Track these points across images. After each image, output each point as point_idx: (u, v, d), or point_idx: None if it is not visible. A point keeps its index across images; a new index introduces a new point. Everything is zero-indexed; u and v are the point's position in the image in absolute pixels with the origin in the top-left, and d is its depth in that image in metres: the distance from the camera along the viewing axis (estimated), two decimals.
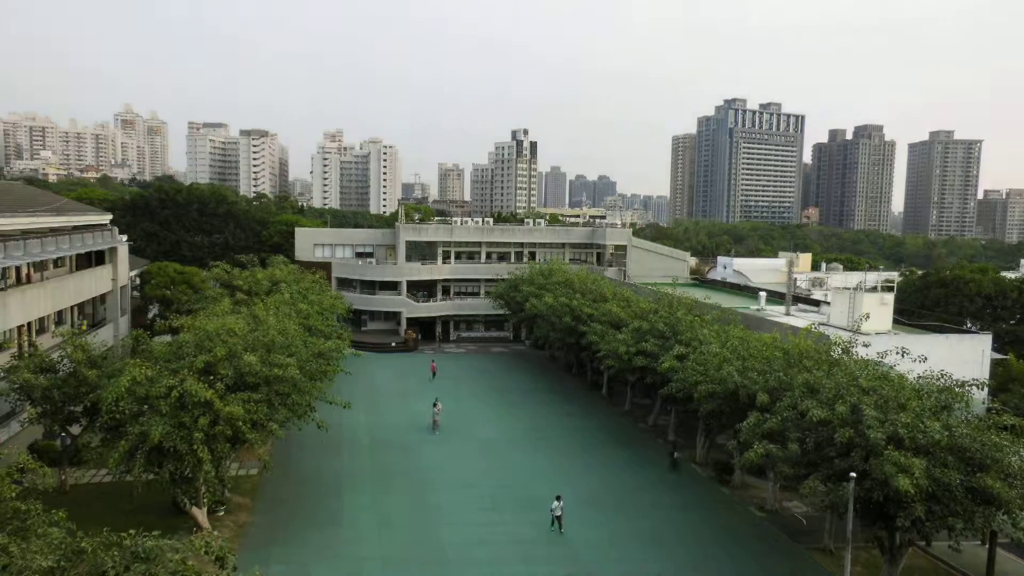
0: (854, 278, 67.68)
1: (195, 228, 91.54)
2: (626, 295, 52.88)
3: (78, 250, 43.15)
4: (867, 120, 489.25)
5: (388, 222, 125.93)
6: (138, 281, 66.59)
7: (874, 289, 50.00)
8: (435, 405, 46.03)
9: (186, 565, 15.15)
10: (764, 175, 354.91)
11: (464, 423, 47.12)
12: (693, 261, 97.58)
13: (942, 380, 25.96)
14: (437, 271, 79.17)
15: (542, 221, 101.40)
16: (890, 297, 43.44)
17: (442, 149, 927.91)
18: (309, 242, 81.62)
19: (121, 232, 54.65)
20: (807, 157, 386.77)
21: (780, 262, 78.18)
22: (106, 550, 15.19)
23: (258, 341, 30.05)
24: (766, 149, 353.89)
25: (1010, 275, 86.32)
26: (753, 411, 28.20)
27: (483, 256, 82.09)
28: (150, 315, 65.20)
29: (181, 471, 25.51)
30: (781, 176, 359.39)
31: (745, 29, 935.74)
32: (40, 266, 41.64)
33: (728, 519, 33.06)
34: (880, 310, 41.51)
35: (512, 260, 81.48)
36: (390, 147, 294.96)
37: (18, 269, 38.72)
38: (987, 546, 28.25)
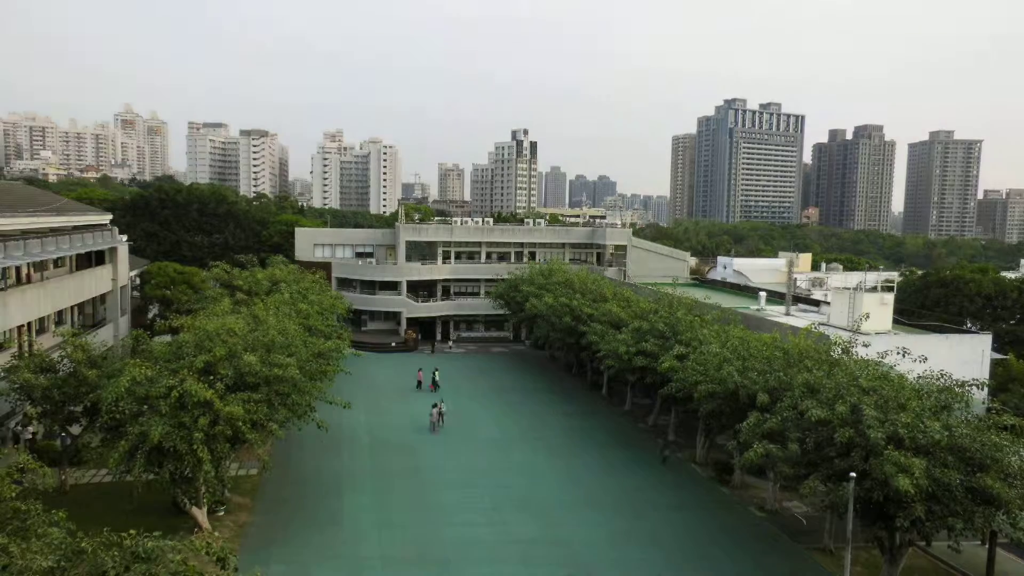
0: (854, 278, 67.67)
1: (195, 228, 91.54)
2: (626, 295, 52.89)
3: (78, 250, 43.13)
4: (867, 120, 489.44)
5: (388, 222, 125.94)
6: (138, 281, 66.58)
7: (874, 289, 50.01)
8: (435, 406, 46.00)
9: (187, 565, 15.14)
10: (764, 175, 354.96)
11: (464, 423, 47.12)
12: (693, 261, 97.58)
13: (942, 380, 25.96)
14: (437, 271, 79.19)
15: (542, 221, 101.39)
16: (890, 297, 43.45)
17: (442, 149, 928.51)
18: (309, 242, 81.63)
19: (121, 232, 54.63)
20: (807, 157, 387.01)
21: (780, 262, 78.17)
22: (106, 550, 15.18)
23: (258, 341, 30.06)
24: (766, 149, 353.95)
25: (1010, 275, 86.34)
26: (753, 411, 28.21)
27: (483, 256, 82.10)
28: (150, 315, 65.20)
29: (181, 471, 25.51)
30: (781, 176, 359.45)
31: (745, 29, 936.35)
32: (40, 266, 41.62)
33: (728, 519, 33.06)
34: (880, 310, 41.52)
35: (512, 260, 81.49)
36: (390, 147, 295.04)
37: (18, 269, 38.70)
38: (987, 546, 28.26)
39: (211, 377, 26.55)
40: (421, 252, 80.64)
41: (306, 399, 29.89)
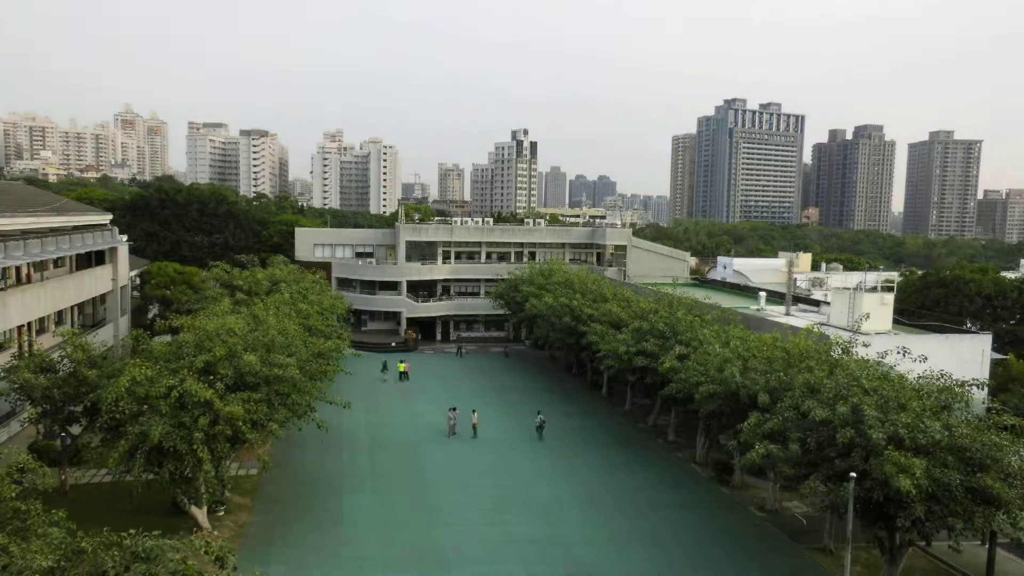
0: (854, 278, 67.68)
1: (195, 228, 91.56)
2: (626, 295, 52.89)
3: (78, 250, 43.16)
4: (867, 120, 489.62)
5: (388, 222, 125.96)
6: (138, 281, 66.62)
7: (874, 289, 50.01)
8: (453, 410, 45.08)
9: (186, 564, 15.14)
10: (764, 175, 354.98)
11: (464, 423, 47.09)
12: (693, 261, 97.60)
13: (942, 380, 25.96)
14: (437, 271, 79.20)
15: (542, 221, 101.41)
16: (890, 297, 43.44)
17: (442, 149, 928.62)
18: (309, 242, 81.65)
19: (121, 232, 54.67)
20: (807, 157, 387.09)
21: (780, 262, 78.17)
22: (106, 550, 15.18)
23: (258, 341, 30.06)
24: (766, 149, 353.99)
25: (1010, 275, 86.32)
26: (754, 411, 28.21)
27: (483, 256, 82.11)
28: (150, 315, 65.21)
29: (181, 471, 25.50)
30: (781, 176, 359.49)
31: (746, 29, 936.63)
32: (40, 266, 41.63)
33: (728, 519, 33.06)
34: (880, 310, 41.52)
35: (512, 260, 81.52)
36: (390, 147, 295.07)
37: (18, 269, 38.71)
38: (987, 546, 28.26)
39: (211, 377, 26.55)
40: (421, 252, 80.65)
41: (306, 399, 29.91)
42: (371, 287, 77.32)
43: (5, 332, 36.21)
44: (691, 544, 30.28)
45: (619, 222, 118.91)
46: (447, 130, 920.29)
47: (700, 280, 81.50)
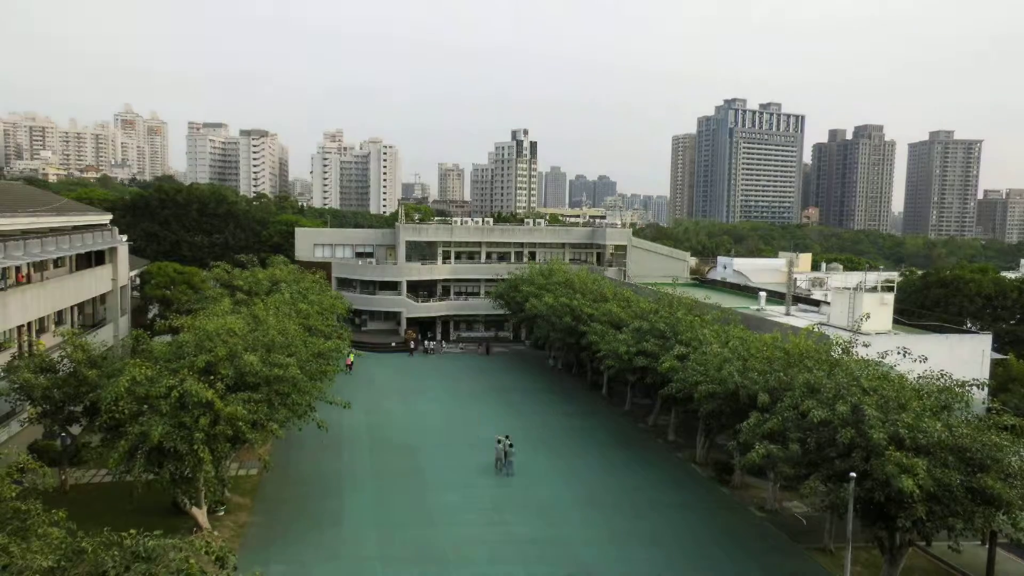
0: (854, 278, 67.64)
1: (195, 228, 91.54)
2: (626, 295, 52.89)
3: (78, 250, 43.14)
4: (867, 120, 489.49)
5: (388, 222, 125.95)
6: (138, 281, 66.59)
7: (874, 289, 49.96)
8: (502, 440, 38.39)
9: (188, 563, 15.13)
10: (764, 175, 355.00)
11: (464, 423, 47.14)
12: (693, 261, 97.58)
13: (942, 380, 25.97)
14: (437, 271, 79.18)
15: (542, 221, 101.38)
16: (890, 297, 43.43)
17: (442, 149, 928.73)
18: (309, 242, 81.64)
19: (121, 232, 54.63)
20: (807, 157, 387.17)
21: (780, 262, 78.15)
22: (106, 550, 15.18)
23: (258, 341, 30.07)
24: (766, 149, 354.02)
25: (1010, 275, 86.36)
26: (754, 411, 28.22)
27: (483, 256, 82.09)
28: (150, 315, 65.19)
29: (181, 471, 25.50)
30: (781, 176, 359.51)
31: (746, 29, 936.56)
32: (40, 266, 41.62)
33: (728, 519, 33.06)
34: (880, 310, 41.50)
35: (512, 260, 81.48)
36: (390, 147, 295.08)
37: (18, 269, 38.69)
38: (987, 546, 28.26)
39: (211, 377, 26.56)
40: (421, 252, 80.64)
41: (306, 399, 29.92)
42: (371, 287, 77.31)
43: (5, 332, 36.18)
44: (691, 544, 30.28)
45: (619, 222, 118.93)
46: (447, 130, 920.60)
47: (700, 280, 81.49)
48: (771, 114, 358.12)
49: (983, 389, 26.51)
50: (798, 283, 66.41)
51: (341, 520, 31.41)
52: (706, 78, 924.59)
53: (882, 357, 29.04)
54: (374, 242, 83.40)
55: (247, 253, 65.25)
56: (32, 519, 17.33)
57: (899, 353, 29.62)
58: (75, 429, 33.21)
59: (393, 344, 72.92)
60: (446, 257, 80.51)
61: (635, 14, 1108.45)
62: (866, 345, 32.03)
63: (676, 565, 28.39)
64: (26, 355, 33.41)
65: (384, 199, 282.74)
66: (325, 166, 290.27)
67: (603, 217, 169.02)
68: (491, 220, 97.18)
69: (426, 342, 73.09)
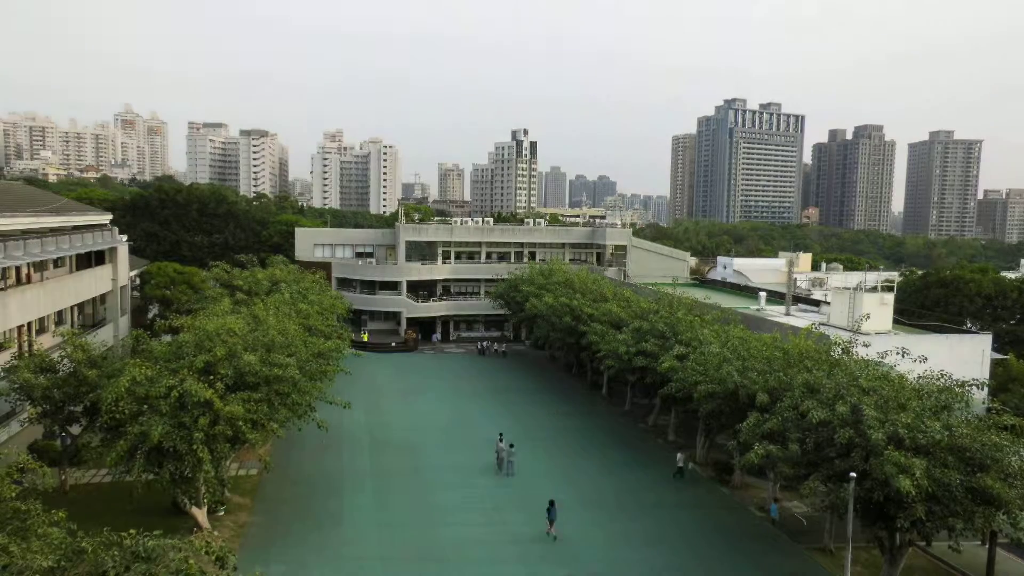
0: (854, 278, 67.65)
1: (195, 228, 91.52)
2: (626, 295, 52.89)
3: (78, 250, 43.12)
4: (867, 120, 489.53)
5: (388, 222, 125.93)
6: (138, 281, 66.56)
7: (874, 289, 49.99)
8: (511, 445, 38.51)
9: (188, 563, 15.13)
10: (764, 175, 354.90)
11: (464, 423, 47.14)
12: (693, 261, 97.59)
13: (942, 380, 25.97)
14: (437, 271, 79.18)
15: (542, 221, 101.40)
16: (890, 297, 43.43)
17: (442, 149, 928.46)
18: (309, 242, 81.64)
19: (121, 232, 54.61)
20: (807, 157, 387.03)
21: (780, 262, 78.17)
22: (106, 550, 15.18)
23: (258, 341, 30.06)
24: (766, 149, 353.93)
25: (1010, 275, 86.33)
26: (753, 411, 28.22)
27: (483, 256, 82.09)
28: (150, 315, 65.17)
29: (181, 471, 25.50)
30: (781, 176, 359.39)
31: (746, 28, 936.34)
32: (40, 266, 41.61)
33: (728, 519, 33.06)
34: (880, 310, 41.50)
35: (512, 260, 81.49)
36: (390, 147, 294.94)
37: (18, 269, 38.69)
38: (987, 546, 28.26)
39: (211, 377, 26.55)
40: (421, 252, 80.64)
41: (306, 399, 29.91)
42: (371, 287, 77.31)
43: (5, 332, 36.17)
44: (691, 544, 30.27)
45: (619, 222, 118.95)
46: (447, 130, 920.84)
47: (700, 280, 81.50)
48: (771, 114, 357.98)
49: (983, 389, 26.52)
50: (798, 283, 66.40)
51: (341, 520, 31.41)
52: (706, 78, 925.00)
53: (882, 357, 29.04)
54: (374, 242, 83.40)
55: (247, 253, 65.29)
56: (32, 519, 17.33)
57: (899, 353, 29.61)
58: (75, 429, 33.20)
59: (393, 344, 72.93)
60: (446, 257, 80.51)
61: (635, 14, 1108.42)
62: (866, 345, 32.03)
63: (676, 565, 28.38)
64: (26, 355, 33.36)
65: (384, 199, 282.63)
66: (325, 166, 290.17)
67: (603, 217, 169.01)
68: (491, 220, 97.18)
69: (433, 336, 75.69)
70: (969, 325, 57.59)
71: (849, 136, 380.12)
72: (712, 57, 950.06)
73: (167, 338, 37.95)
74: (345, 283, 77.55)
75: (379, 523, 31.28)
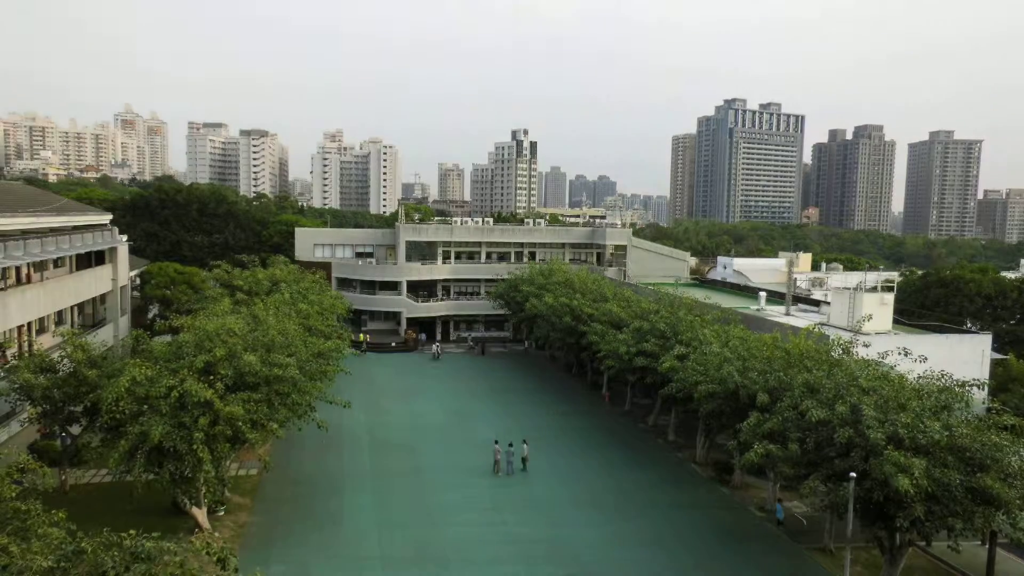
0: (854, 278, 67.64)
1: (195, 228, 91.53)
2: (626, 295, 52.88)
3: (78, 250, 43.14)
4: (867, 120, 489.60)
5: (388, 222, 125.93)
6: (138, 281, 66.58)
7: (874, 289, 49.97)
8: (510, 445, 38.44)
9: (184, 568, 15.11)
10: (764, 175, 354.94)
11: (464, 423, 47.14)
12: (693, 261, 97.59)
13: (942, 380, 25.97)
14: (437, 271, 79.16)
15: (542, 221, 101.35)
16: (890, 297, 43.42)
17: (442, 149, 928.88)
18: (309, 242, 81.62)
19: (121, 232, 54.63)
20: (807, 157, 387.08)
21: (780, 262, 78.16)
22: (106, 550, 15.16)
23: (258, 341, 30.07)
24: (766, 149, 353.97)
25: (1010, 275, 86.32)
26: (753, 411, 28.22)
27: (483, 256, 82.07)
28: (150, 315, 65.21)
29: (181, 471, 25.50)
30: (781, 176, 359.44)
31: (746, 28, 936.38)
32: (40, 266, 41.62)
33: (728, 519, 33.06)
34: (880, 310, 41.49)
35: (512, 260, 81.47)
36: (390, 147, 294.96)
37: (18, 269, 38.70)
38: (987, 546, 28.26)
39: (211, 377, 26.56)
40: (421, 252, 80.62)
41: (306, 399, 29.91)
42: (371, 287, 77.28)
43: (5, 332, 36.17)
44: (691, 544, 30.27)
45: (619, 222, 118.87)
46: (447, 130, 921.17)
47: (700, 280, 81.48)
48: (771, 114, 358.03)
49: (983, 389, 26.51)
50: (798, 283, 66.41)
51: (341, 520, 31.41)
52: (706, 78, 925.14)
53: (882, 357, 29.05)
54: (374, 242, 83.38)
55: (247, 253, 65.26)
56: (32, 519, 17.32)
57: (899, 353, 29.61)
58: (75, 429, 33.20)
59: (393, 344, 72.92)
60: (446, 257, 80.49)
61: (635, 13, 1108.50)
62: (866, 345, 32.03)
63: (676, 565, 28.38)
64: (26, 355, 33.35)
65: (384, 199, 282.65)
66: (325, 166, 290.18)
67: (603, 217, 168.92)
68: (491, 220, 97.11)
69: (434, 346, 70.80)
70: (969, 325, 57.61)
71: (849, 136, 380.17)
72: (712, 57, 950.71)
73: (167, 338, 37.97)
74: (345, 283, 77.54)
75: (379, 523, 31.28)
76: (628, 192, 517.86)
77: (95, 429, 30.79)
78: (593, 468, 39.11)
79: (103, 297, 49.30)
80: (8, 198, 43.75)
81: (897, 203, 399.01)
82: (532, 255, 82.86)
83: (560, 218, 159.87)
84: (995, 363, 45.37)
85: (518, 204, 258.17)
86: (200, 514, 28.27)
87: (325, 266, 76.74)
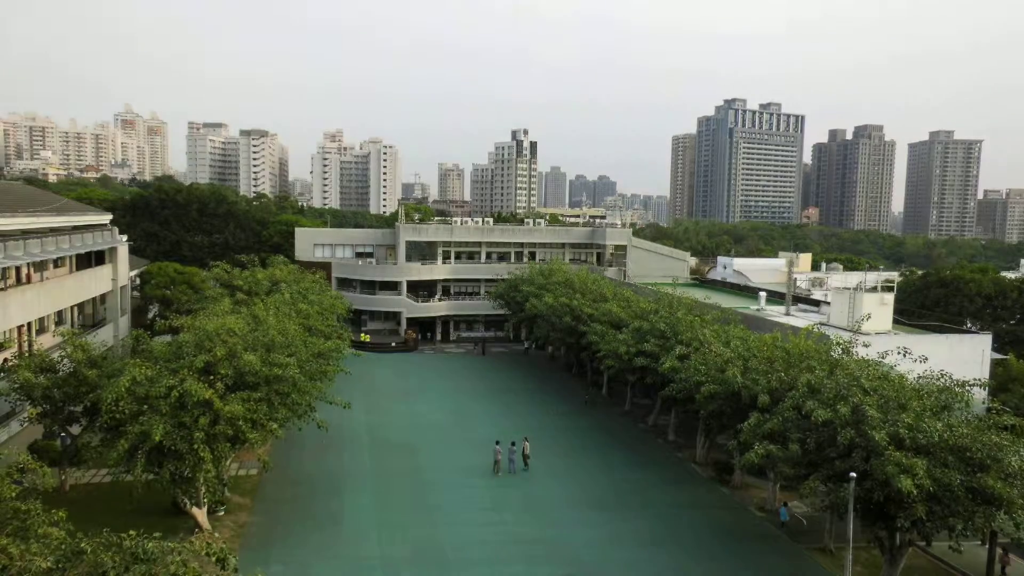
0: (854, 278, 67.64)
1: (195, 228, 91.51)
2: (626, 295, 52.86)
3: (78, 250, 43.13)
4: (867, 120, 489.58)
5: (388, 222, 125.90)
6: (138, 281, 66.55)
7: (874, 289, 49.95)
8: (512, 444, 38.58)
9: (186, 567, 15.10)
10: (764, 175, 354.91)
11: (464, 423, 47.14)
12: (693, 261, 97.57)
13: (942, 380, 25.96)
14: (437, 271, 79.15)
15: (542, 221, 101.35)
16: (890, 297, 43.42)
17: (442, 149, 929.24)
18: (309, 242, 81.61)
19: (121, 232, 54.61)
20: (807, 157, 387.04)
21: (780, 262, 78.17)
22: (106, 551, 15.14)
23: (258, 341, 30.06)
24: (766, 149, 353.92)
25: (1010, 275, 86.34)
26: (754, 412, 28.21)
27: (483, 256, 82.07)
28: (150, 315, 65.15)
29: (181, 471, 25.50)
30: (781, 176, 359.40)
31: (746, 28, 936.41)
32: (40, 266, 41.60)
33: (728, 519, 33.05)
34: (880, 310, 41.50)
35: (512, 260, 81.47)
36: (390, 147, 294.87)
37: (18, 269, 38.68)
38: (987, 546, 28.24)
39: (211, 377, 26.55)
40: (421, 252, 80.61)
41: (306, 399, 29.90)
42: (371, 287, 77.28)
43: (5, 332, 36.16)
44: (691, 544, 30.27)
45: (619, 222, 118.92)
46: (447, 130, 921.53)
47: (700, 280, 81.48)
48: (771, 114, 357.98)
49: (983, 389, 26.52)
50: (798, 283, 66.41)
51: (341, 520, 31.40)
52: (706, 78, 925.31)
53: (882, 357, 29.03)
54: (374, 242, 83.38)
55: (247, 253, 65.20)
56: (32, 519, 17.29)
57: (899, 353, 29.60)
58: (75, 429, 33.19)
59: (393, 344, 72.90)
60: (446, 257, 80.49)
61: (635, 14, 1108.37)
62: (866, 345, 32.02)
63: (676, 565, 28.37)
64: (26, 355, 33.34)
65: (384, 199, 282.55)
66: (325, 166, 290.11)
67: (603, 217, 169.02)
68: (491, 220, 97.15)
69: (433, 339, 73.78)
70: (969, 325, 57.58)
71: (849, 136, 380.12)
72: (712, 57, 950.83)
73: (167, 338, 37.95)
74: (345, 283, 77.53)
75: (379, 523, 31.27)
76: (628, 192, 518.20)
77: (95, 429, 30.76)
78: (593, 468, 39.10)
79: (103, 297, 49.28)
80: (8, 198, 43.74)
81: (897, 203, 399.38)
82: (532, 255, 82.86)
83: (560, 218, 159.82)
84: (995, 363, 45.35)
85: (518, 204, 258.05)
86: (200, 514, 28.26)
87: (325, 266, 76.73)
